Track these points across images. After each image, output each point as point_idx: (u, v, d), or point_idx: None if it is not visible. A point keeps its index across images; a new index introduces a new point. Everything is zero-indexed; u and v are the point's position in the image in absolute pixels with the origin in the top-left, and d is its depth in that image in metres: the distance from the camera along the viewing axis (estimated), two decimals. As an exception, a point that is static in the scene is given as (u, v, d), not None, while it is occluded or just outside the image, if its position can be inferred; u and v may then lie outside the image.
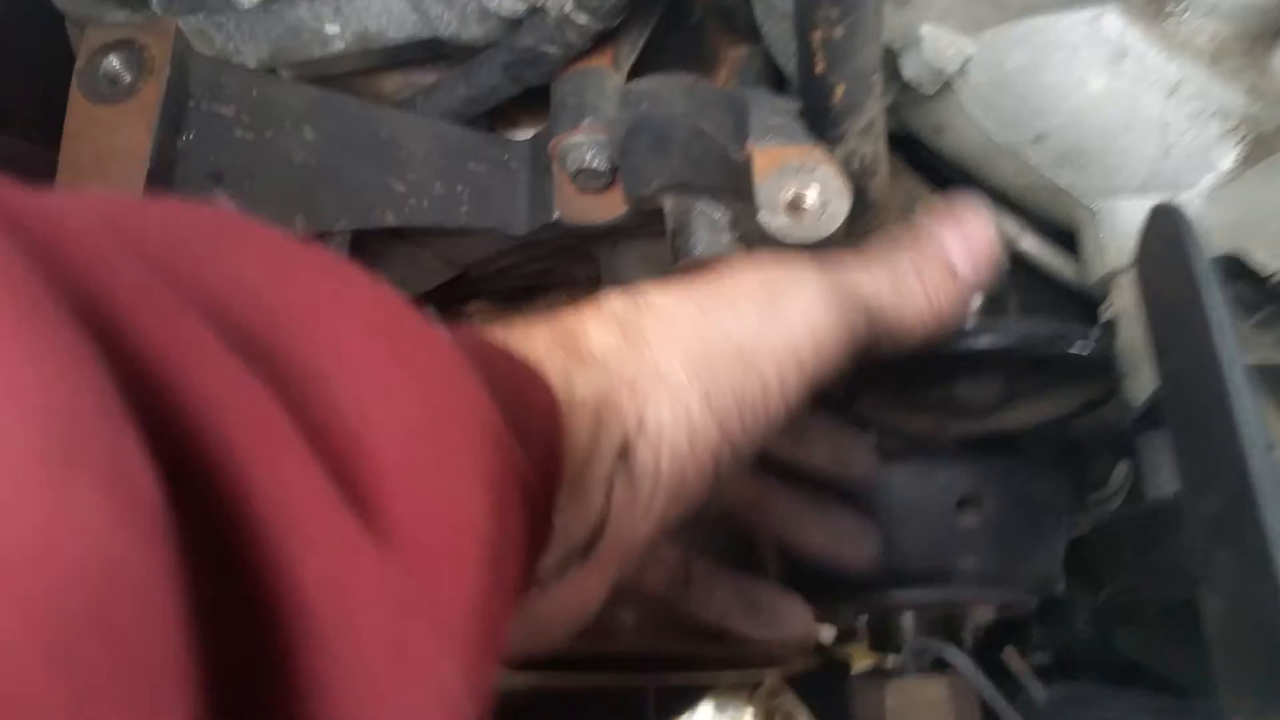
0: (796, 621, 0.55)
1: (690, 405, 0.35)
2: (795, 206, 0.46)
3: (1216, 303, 0.27)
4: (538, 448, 0.30)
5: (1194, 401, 0.29)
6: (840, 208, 0.46)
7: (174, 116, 0.47)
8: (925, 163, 0.62)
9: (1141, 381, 0.50)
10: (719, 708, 2.13)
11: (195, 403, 0.19)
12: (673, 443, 0.34)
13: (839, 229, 0.47)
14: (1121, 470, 0.89)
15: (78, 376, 0.16)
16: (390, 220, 0.52)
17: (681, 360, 0.35)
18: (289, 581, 0.19)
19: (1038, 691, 0.80)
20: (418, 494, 0.23)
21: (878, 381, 0.63)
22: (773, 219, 0.46)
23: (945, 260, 0.42)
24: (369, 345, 0.25)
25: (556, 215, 0.54)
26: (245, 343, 0.21)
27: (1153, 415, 0.49)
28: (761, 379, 0.36)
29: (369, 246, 0.55)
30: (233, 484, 0.19)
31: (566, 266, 0.62)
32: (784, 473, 0.59)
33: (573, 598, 0.36)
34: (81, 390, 0.16)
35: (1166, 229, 0.29)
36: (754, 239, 0.49)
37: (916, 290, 0.42)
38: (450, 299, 0.68)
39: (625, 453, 0.34)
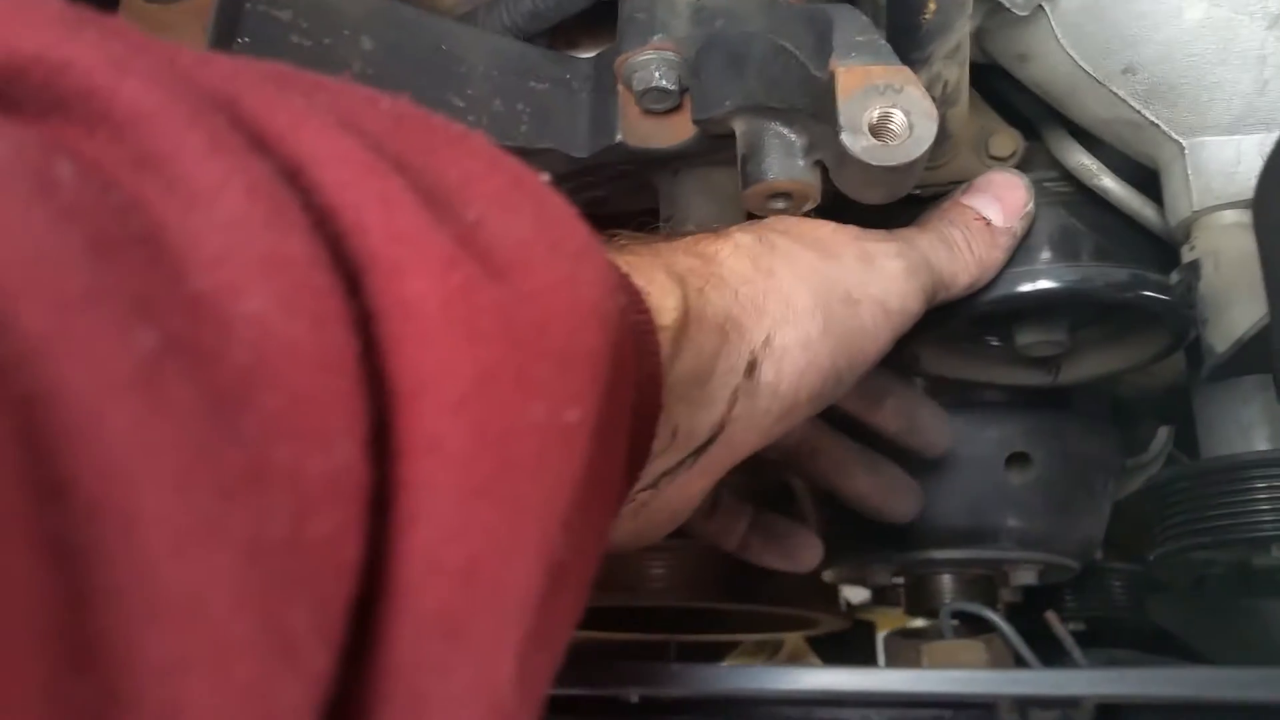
0: (809, 553, 0.59)
1: (810, 332, 0.39)
2: (880, 128, 0.44)
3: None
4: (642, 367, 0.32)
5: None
6: (927, 131, 0.44)
7: (230, 18, 0.45)
8: (1001, 98, 0.59)
9: (1225, 326, 0.48)
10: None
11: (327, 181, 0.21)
12: (794, 364, 0.38)
13: (924, 154, 0.44)
14: (1163, 435, 0.88)
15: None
16: (449, 137, 0.50)
17: (806, 291, 0.40)
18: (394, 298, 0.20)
19: (1078, 656, 0.79)
20: (537, 268, 0.23)
21: (935, 328, 0.62)
22: (856, 140, 0.44)
23: (978, 213, 0.50)
24: (495, 177, 0.25)
25: (619, 138, 0.52)
26: (379, 146, 0.22)
27: (1237, 362, 0.47)
28: (862, 322, 0.41)
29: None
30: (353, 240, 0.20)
31: (623, 196, 0.60)
32: (846, 425, 0.58)
33: (678, 497, 0.39)
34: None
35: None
36: (831, 163, 0.47)
37: (960, 241, 0.48)
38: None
39: (752, 368, 0.37)
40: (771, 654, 1.70)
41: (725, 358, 0.37)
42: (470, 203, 0.24)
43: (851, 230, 0.46)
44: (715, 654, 1.40)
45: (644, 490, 0.37)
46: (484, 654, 0.21)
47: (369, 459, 0.19)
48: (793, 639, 1.58)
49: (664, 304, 0.35)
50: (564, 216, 0.26)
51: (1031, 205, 0.51)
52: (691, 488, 0.39)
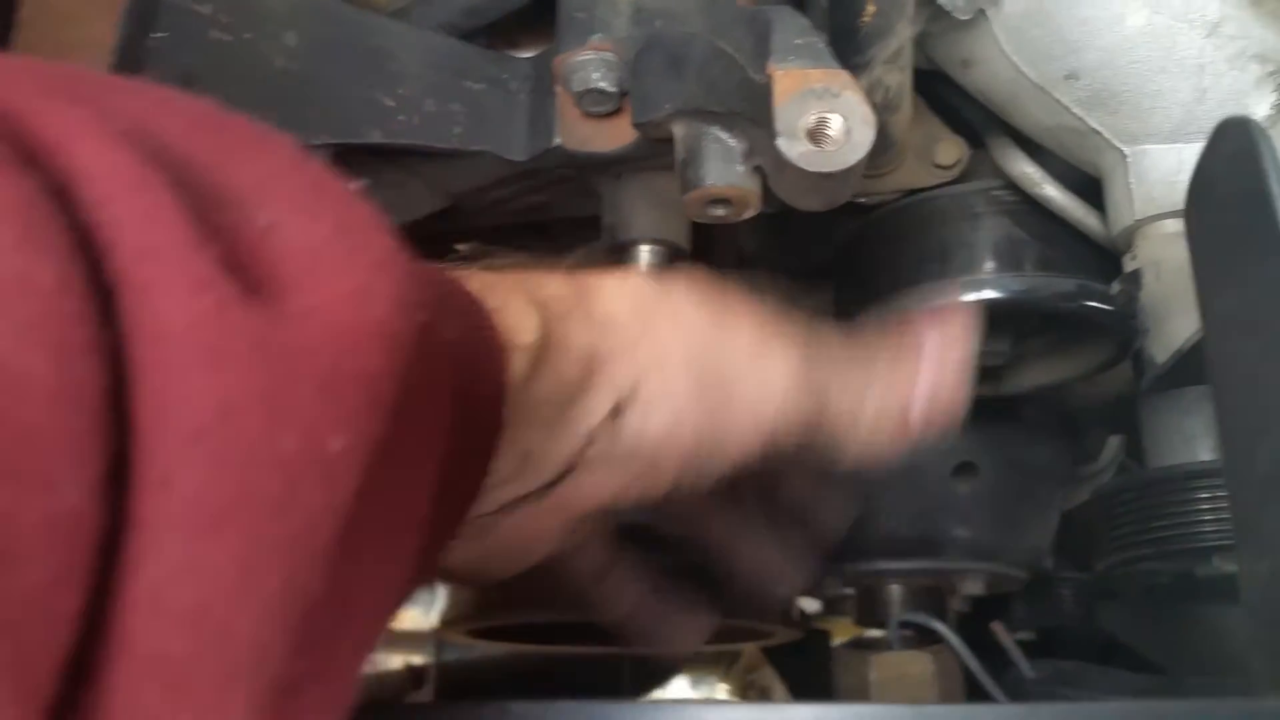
0: (685, 641, 0.54)
1: (680, 395, 0.37)
2: (817, 133, 0.43)
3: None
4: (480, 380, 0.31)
5: (1259, 342, 0.26)
6: (865, 136, 0.43)
7: (144, 10, 0.43)
8: (946, 105, 0.59)
9: (1167, 337, 0.47)
10: (694, 681, 2.13)
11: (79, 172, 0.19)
12: (660, 422, 0.37)
13: (861, 161, 0.44)
14: (1113, 444, 0.88)
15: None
16: (376, 137, 0.49)
17: (682, 352, 0.37)
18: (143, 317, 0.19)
19: (1025, 668, 0.79)
20: (323, 281, 0.21)
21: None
22: (792, 146, 0.43)
23: (906, 407, 0.41)
24: (295, 180, 0.23)
25: (558, 141, 0.50)
26: (158, 152, 0.21)
27: (1177, 373, 0.46)
28: (731, 413, 0.38)
29: (352, 168, 0.51)
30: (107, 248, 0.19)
31: (565, 202, 0.59)
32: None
33: (529, 529, 0.38)
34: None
35: (1238, 145, 0.26)
36: (770, 169, 0.46)
37: (868, 422, 0.41)
38: (439, 234, 0.64)
39: (617, 412, 0.36)
40: (729, 665, 1.70)
41: (588, 393, 0.36)
42: (264, 205, 0.22)
43: (764, 319, 0.41)
44: (671, 666, 1.39)
45: (489, 515, 0.36)
46: (208, 705, 0.19)
47: (101, 499, 0.18)
48: (748, 649, 1.57)
49: (522, 324, 0.34)
50: (366, 224, 0.24)
51: (962, 396, 0.42)
52: (543, 522, 0.38)
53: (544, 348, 0.34)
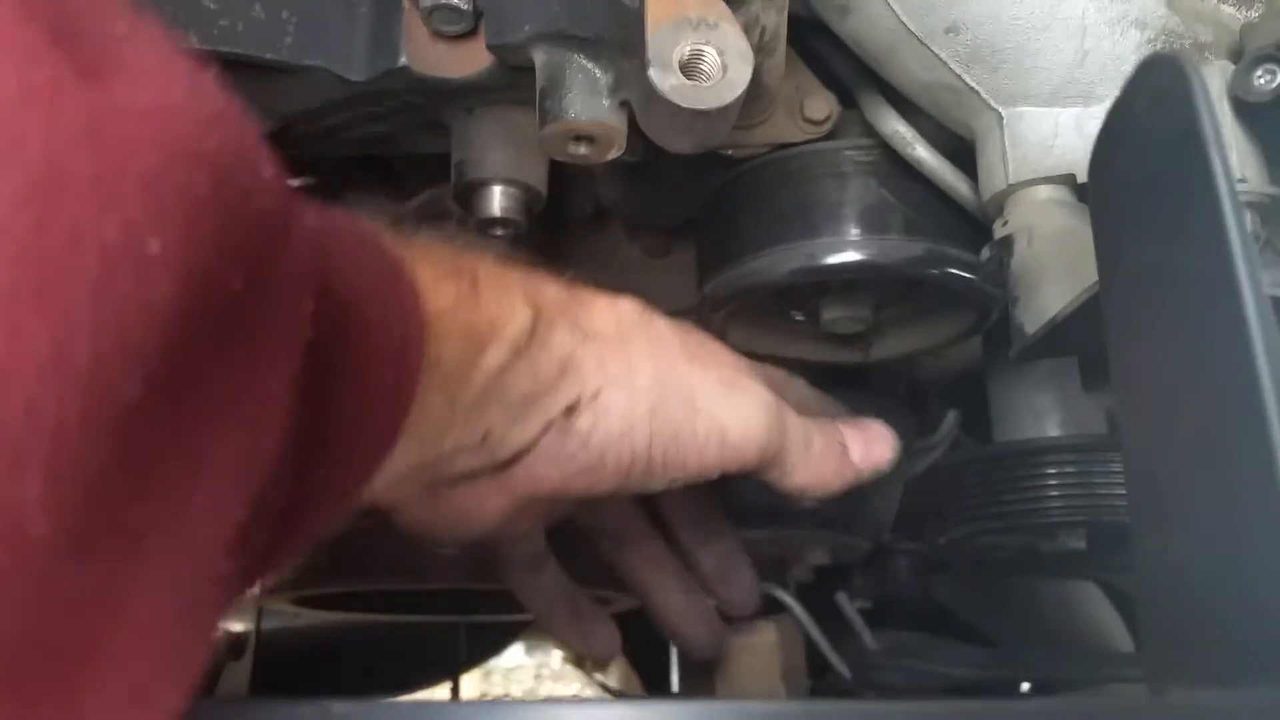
0: (603, 643, 0.59)
1: (638, 407, 0.40)
2: (691, 67, 0.40)
3: (1230, 174, 0.22)
4: (385, 344, 0.31)
5: (1183, 295, 0.24)
6: (741, 73, 0.40)
7: None
8: (818, 58, 0.56)
9: (1038, 305, 0.46)
10: (528, 649, 2.10)
11: None
12: (610, 426, 0.39)
13: (738, 99, 0.40)
14: (951, 417, 0.88)
15: None
16: (192, 42, 0.43)
17: (651, 372, 0.40)
18: None
19: (868, 639, 0.79)
20: (158, 84, 0.21)
21: (745, 303, 0.59)
22: (664, 78, 0.40)
23: (844, 440, 0.47)
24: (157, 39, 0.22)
25: (403, 62, 0.46)
26: None
27: (1048, 342, 0.45)
28: (694, 429, 0.41)
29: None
30: None
31: (410, 135, 0.54)
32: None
33: (474, 504, 0.40)
34: None
35: (1167, 81, 0.24)
36: (638, 104, 0.43)
37: (817, 447, 0.46)
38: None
39: (573, 409, 0.39)
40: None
41: (556, 391, 0.38)
42: (119, 31, 0.22)
43: (740, 363, 0.45)
44: (508, 633, 1.36)
45: (444, 480, 0.39)
46: None
47: None
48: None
49: (514, 317, 0.37)
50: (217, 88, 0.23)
51: (887, 465, 0.50)
52: (488, 500, 0.40)
53: (528, 343, 0.37)
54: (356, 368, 0.30)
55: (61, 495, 0.19)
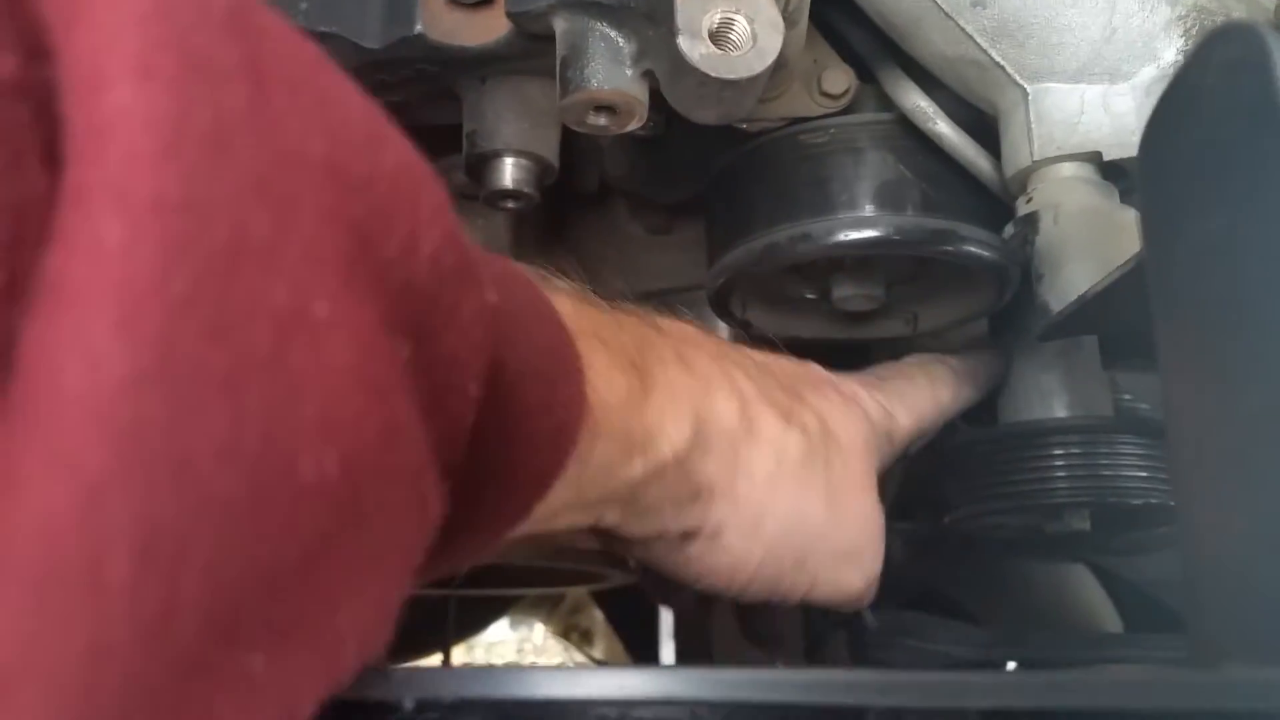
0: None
1: (752, 555, 0.42)
2: (721, 35, 0.39)
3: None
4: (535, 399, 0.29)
5: (1248, 274, 0.23)
6: (772, 43, 0.39)
7: None
8: (835, 32, 0.55)
9: (1064, 283, 0.45)
10: (512, 623, 2.09)
11: None
12: (716, 561, 0.41)
13: (767, 69, 0.40)
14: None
15: None
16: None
17: (781, 527, 0.42)
18: None
19: (869, 617, 0.78)
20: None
21: (755, 280, 0.58)
22: (694, 47, 0.39)
23: None
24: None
25: (419, 29, 0.44)
26: None
27: (1074, 321, 0.44)
28: (788, 587, 0.44)
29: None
30: None
31: (423, 106, 0.52)
32: None
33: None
34: None
35: (1242, 51, 0.23)
36: (664, 74, 0.42)
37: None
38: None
39: (690, 536, 0.40)
40: (553, 607, 1.67)
41: (680, 512, 0.39)
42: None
43: (862, 479, 0.46)
44: (494, 608, 1.35)
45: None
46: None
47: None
48: (575, 593, 1.55)
49: (671, 436, 0.37)
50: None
51: None
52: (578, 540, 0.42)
53: (676, 465, 0.37)
54: (505, 452, 0.29)
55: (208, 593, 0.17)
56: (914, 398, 0.53)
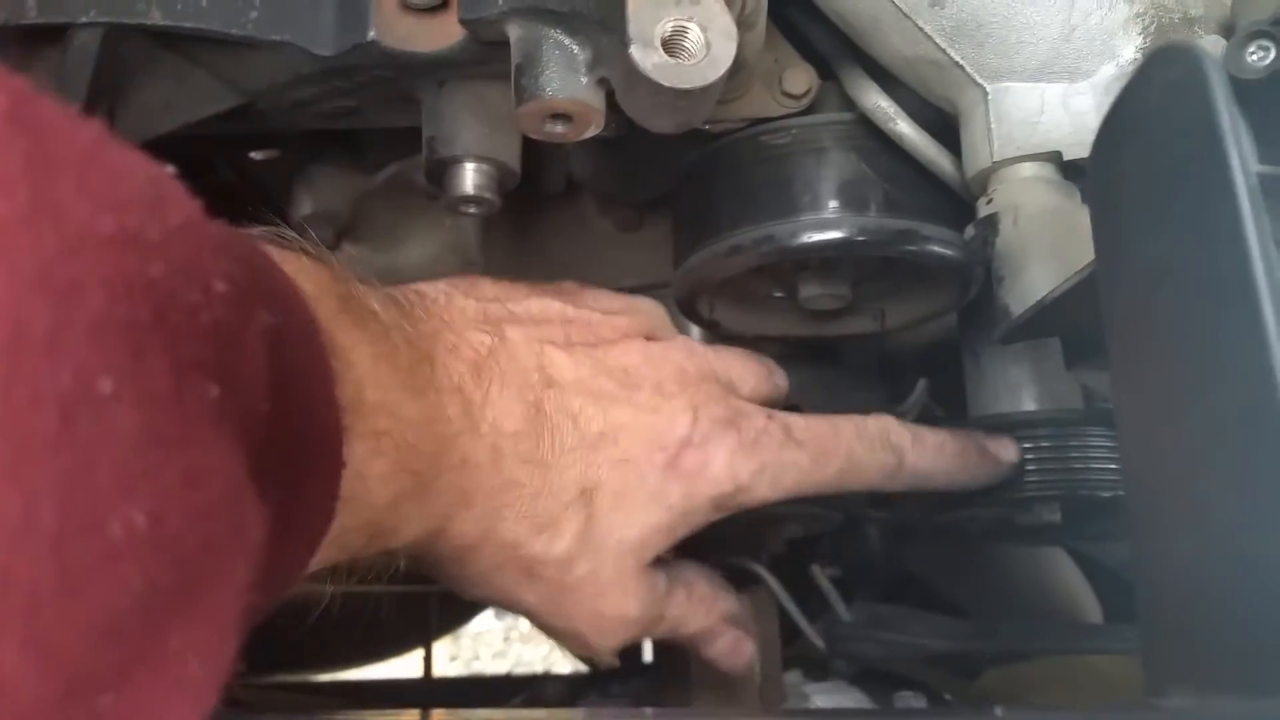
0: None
1: None
2: (674, 44, 0.39)
3: (1249, 170, 0.22)
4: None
5: (1196, 291, 0.23)
6: (726, 51, 0.39)
7: None
8: (795, 31, 0.55)
9: (1025, 285, 0.45)
10: (497, 613, 2.10)
11: None
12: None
13: (721, 78, 0.39)
14: (920, 386, 0.88)
15: None
16: (156, 18, 0.41)
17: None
18: None
19: (842, 611, 0.79)
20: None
21: (723, 281, 0.58)
22: (646, 57, 0.38)
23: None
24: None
25: (372, 36, 0.44)
26: None
27: (1035, 324, 0.44)
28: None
29: (125, 53, 0.44)
30: None
31: (379, 109, 0.52)
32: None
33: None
34: None
35: (1182, 72, 0.23)
36: (618, 83, 0.41)
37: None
38: (230, 138, 0.56)
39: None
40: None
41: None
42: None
43: (609, 583, 0.47)
44: (476, 603, 1.35)
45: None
46: None
47: None
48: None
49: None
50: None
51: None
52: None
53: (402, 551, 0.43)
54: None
55: (42, 662, 0.18)
56: (797, 473, 0.50)
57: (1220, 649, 0.23)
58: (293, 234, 0.38)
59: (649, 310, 0.55)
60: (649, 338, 0.52)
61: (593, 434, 0.45)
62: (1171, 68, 0.24)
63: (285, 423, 0.28)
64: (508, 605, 0.48)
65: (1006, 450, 0.57)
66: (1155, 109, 0.25)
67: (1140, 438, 0.27)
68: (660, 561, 0.50)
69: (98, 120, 0.21)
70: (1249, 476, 0.21)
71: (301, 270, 0.35)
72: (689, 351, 0.51)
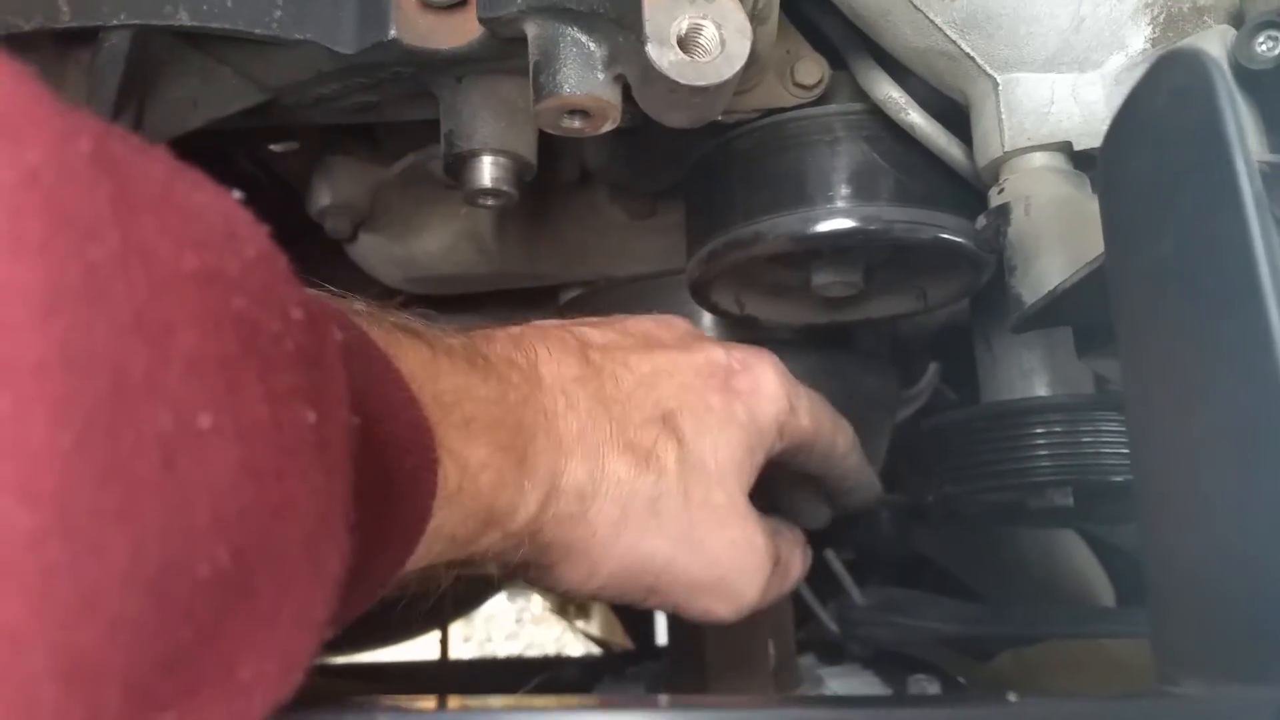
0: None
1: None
2: (689, 41, 0.39)
3: (1255, 176, 0.22)
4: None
5: (1198, 295, 0.24)
6: (740, 48, 0.40)
7: None
8: (808, 22, 0.56)
9: (1036, 275, 0.46)
10: (511, 596, 2.10)
11: None
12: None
13: (736, 75, 0.40)
14: (932, 370, 0.89)
15: None
16: (183, 19, 0.42)
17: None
18: None
19: (856, 595, 0.79)
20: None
21: (737, 269, 0.58)
22: (662, 55, 0.39)
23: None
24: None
25: (393, 34, 0.45)
26: None
27: (1047, 314, 0.45)
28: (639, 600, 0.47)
29: (154, 53, 0.44)
30: None
31: (398, 104, 0.53)
32: None
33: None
34: None
35: (1188, 77, 0.24)
36: (634, 79, 0.42)
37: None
38: (254, 132, 0.57)
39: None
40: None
41: (522, 553, 0.43)
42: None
43: (727, 507, 0.46)
44: (491, 581, 1.36)
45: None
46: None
47: None
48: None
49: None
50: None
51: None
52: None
53: (524, 533, 0.41)
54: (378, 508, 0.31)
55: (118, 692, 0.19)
56: (819, 405, 0.52)
57: (1231, 638, 0.23)
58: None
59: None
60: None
61: (646, 373, 0.46)
62: (1177, 72, 0.24)
63: (371, 430, 0.29)
64: (643, 569, 0.45)
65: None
66: (1162, 113, 0.25)
67: (1149, 430, 0.27)
68: None
69: (164, 152, 0.21)
70: (1253, 469, 0.22)
71: (340, 303, 0.35)
72: (689, 324, 0.53)
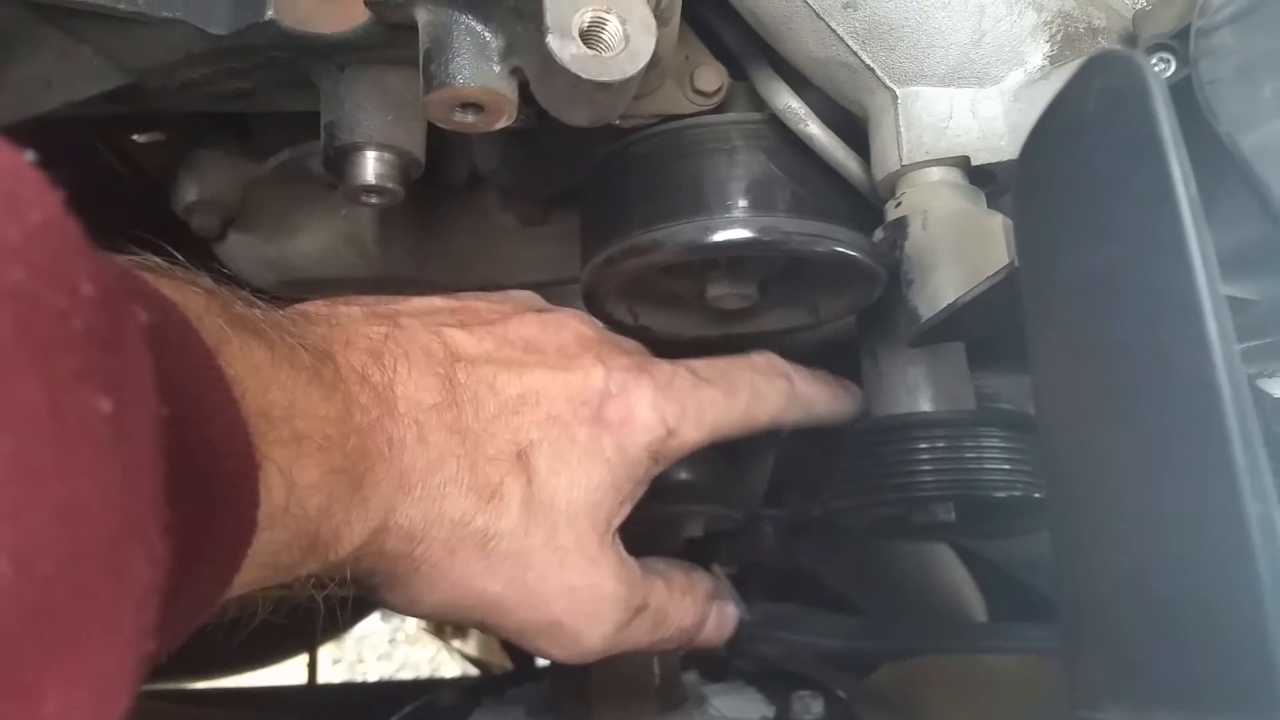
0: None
1: None
2: (592, 35, 0.38)
3: (1190, 180, 0.22)
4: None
5: (1131, 305, 0.23)
6: (645, 44, 0.38)
7: None
8: (708, 30, 0.55)
9: (931, 290, 0.45)
10: (385, 615, 2.04)
11: None
12: None
13: (639, 72, 0.38)
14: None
15: None
16: (37, -12, 0.38)
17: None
18: None
19: (742, 610, 0.79)
20: None
21: (630, 277, 0.57)
22: (564, 47, 0.37)
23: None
24: None
25: (270, 15, 0.42)
26: None
27: (944, 328, 0.45)
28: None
29: (2, 25, 0.40)
30: None
31: (273, 92, 0.50)
32: None
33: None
34: None
35: (1121, 80, 0.23)
36: (533, 73, 0.40)
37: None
38: (115, 120, 0.53)
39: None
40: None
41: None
42: None
43: (573, 550, 0.45)
44: (364, 603, 1.32)
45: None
46: None
47: None
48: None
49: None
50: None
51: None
52: None
53: (348, 561, 0.39)
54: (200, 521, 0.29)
55: None
56: (715, 409, 0.51)
57: (1159, 663, 0.22)
58: (157, 260, 0.35)
59: (526, 296, 0.55)
60: (539, 312, 0.51)
61: (512, 397, 0.44)
62: (1111, 74, 0.24)
63: (185, 429, 0.26)
64: (470, 606, 0.43)
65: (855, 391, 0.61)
66: (1093, 115, 0.25)
67: (1070, 447, 0.27)
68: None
69: None
70: (1191, 488, 0.21)
71: (177, 287, 0.32)
72: (581, 317, 0.51)
